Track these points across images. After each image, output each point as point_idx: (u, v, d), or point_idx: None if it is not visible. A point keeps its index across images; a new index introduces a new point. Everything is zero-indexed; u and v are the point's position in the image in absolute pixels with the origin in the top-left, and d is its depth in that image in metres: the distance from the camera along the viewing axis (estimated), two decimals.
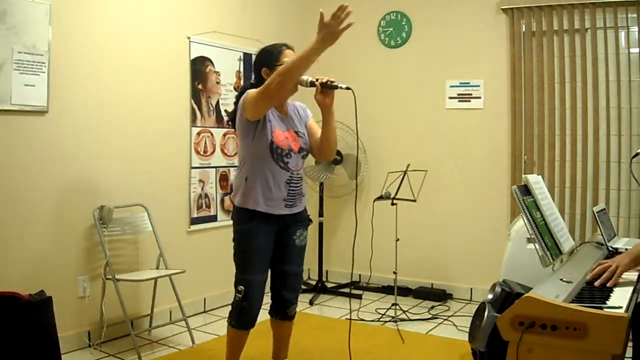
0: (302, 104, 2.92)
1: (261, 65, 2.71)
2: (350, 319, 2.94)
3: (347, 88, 2.60)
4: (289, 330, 2.93)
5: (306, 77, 2.62)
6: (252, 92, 2.57)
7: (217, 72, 4.28)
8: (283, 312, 2.85)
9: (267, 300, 2.87)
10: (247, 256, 2.70)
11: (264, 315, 2.92)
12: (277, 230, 2.76)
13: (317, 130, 2.80)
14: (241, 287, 2.69)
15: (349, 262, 4.99)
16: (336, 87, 2.61)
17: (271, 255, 2.79)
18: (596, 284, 2.12)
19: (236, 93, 2.95)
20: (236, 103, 2.71)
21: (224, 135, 4.38)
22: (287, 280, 2.82)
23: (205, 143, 4.24)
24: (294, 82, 2.55)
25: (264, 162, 2.64)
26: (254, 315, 2.73)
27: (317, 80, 2.61)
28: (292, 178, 2.71)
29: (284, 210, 2.71)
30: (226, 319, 2.80)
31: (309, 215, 2.91)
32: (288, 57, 2.66)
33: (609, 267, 2.17)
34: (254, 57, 2.89)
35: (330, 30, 2.38)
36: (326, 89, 2.62)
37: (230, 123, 2.91)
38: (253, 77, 2.79)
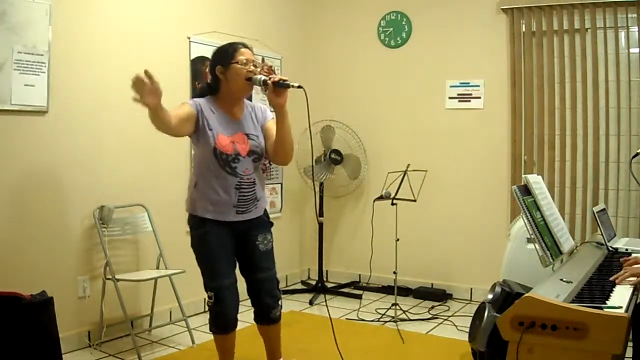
0: (263, 105, 2.90)
1: (216, 63, 2.69)
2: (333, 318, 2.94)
3: (299, 87, 2.58)
4: (277, 333, 2.90)
5: (259, 76, 2.61)
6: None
7: None
8: (267, 317, 2.82)
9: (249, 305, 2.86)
10: (209, 263, 2.68)
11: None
12: (236, 238, 2.73)
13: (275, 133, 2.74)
14: (210, 292, 2.67)
15: (349, 262, 5.04)
16: (288, 86, 2.58)
17: (234, 257, 2.76)
18: (614, 277, 2.14)
19: None
20: None
21: None
22: (263, 287, 2.78)
23: None
24: (160, 127, 2.50)
25: (210, 168, 2.62)
26: (230, 318, 2.71)
27: (269, 79, 2.58)
28: (242, 183, 2.66)
29: (235, 217, 2.67)
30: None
31: (269, 218, 2.86)
32: (243, 55, 2.64)
33: (638, 273, 2.16)
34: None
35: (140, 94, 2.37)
36: (278, 88, 2.58)
37: None
38: (211, 76, 2.75)
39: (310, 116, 2.84)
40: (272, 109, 2.79)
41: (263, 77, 2.60)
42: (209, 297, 2.68)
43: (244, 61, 2.63)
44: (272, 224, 2.87)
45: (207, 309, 4.20)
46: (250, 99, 2.80)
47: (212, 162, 2.61)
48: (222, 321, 2.71)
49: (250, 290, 2.82)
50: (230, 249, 2.72)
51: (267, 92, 2.60)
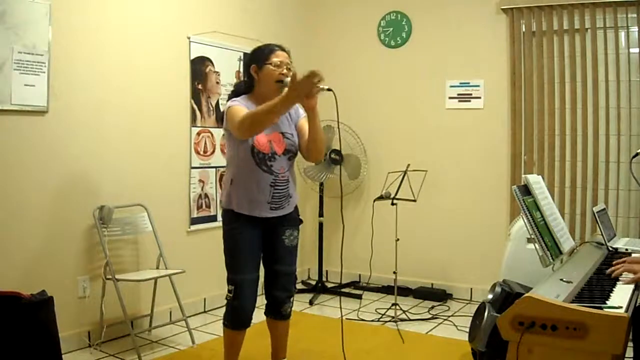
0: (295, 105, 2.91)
1: (252, 62, 2.73)
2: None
3: (329, 89, 2.59)
4: (285, 330, 2.93)
5: (289, 80, 2.59)
6: (234, 112, 2.58)
7: (217, 72, 4.28)
8: (277, 311, 2.86)
9: (259, 304, 2.87)
10: (235, 256, 2.73)
11: (263, 314, 2.94)
12: (265, 231, 2.77)
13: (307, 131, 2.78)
14: (231, 286, 2.72)
15: (349, 262, 5.03)
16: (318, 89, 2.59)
17: (261, 255, 2.81)
18: (607, 271, 2.16)
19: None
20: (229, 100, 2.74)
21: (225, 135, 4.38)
22: (279, 279, 2.83)
23: (205, 143, 4.23)
24: (262, 129, 2.57)
25: (246, 165, 2.66)
26: (247, 315, 2.74)
27: None
28: (277, 181, 2.70)
29: (268, 213, 2.72)
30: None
31: (299, 216, 2.90)
32: (279, 57, 2.68)
33: (633, 270, 2.17)
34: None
35: (298, 92, 2.41)
36: None
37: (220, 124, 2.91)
38: (245, 75, 2.80)
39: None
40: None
41: None
42: (229, 291, 2.72)
43: (278, 63, 2.67)
44: (301, 221, 2.92)
45: (205, 309, 4.24)
46: None
47: (249, 160, 2.65)
48: (237, 316, 2.73)
49: (267, 281, 2.87)
50: (258, 245, 2.78)
51: None
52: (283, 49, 2.73)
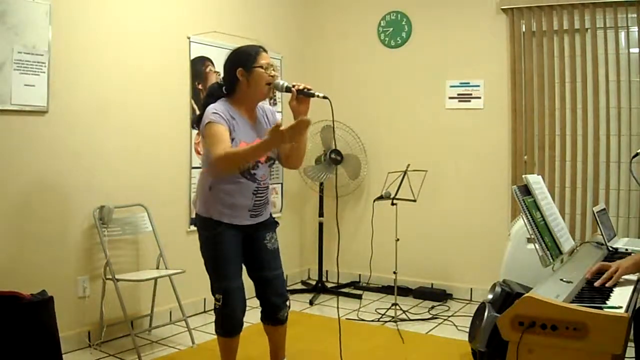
0: (272, 108, 2.88)
1: (237, 65, 2.62)
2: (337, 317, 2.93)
3: (324, 97, 2.54)
4: (283, 333, 2.90)
5: (282, 82, 2.57)
6: (216, 134, 2.48)
7: (217, 72, 4.28)
8: (274, 317, 2.81)
9: (256, 304, 2.86)
10: (218, 264, 2.67)
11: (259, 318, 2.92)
12: (244, 239, 2.73)
13: None
14: (218, 295, 2.66)
15: (349, 262, 5.03)
16: (312, 95, 2.55)
17: (242, 260, 2.75)
18: (596, 284, 2.13)
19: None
20: (204, 105, 2.64)
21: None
22: (270, 285, 2.77)
23: None
24: (237, 170, 2.55)
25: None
26: (237, 321, 2.70)
27: (293, 86, 2.55)
28: (259, 188, 2.67)
29: (249, 221, 2.68)
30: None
31: (274, 218, 2.86)
32: (265, 59, 2.62)
33: (609, 267, 2.18)
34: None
35: (283, 139, 2.40)
36: (302, 96, 2.56)
37: (195, 125, 2.81)
38: (222, 76, 2.72)
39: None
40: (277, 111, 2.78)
41: (287, 84, 2.56)
42: (217, 300, 2.66)
43: (266, 65, 2.61)
44: (277, 223, 2.88)
45: (205, 309, 4.24)
46: None
47: None
48: (229, 324, 2.70)
49: (258, 289, 2.81)
50: (240, 252, 2.72)
51: (290, 99, 2.58)
52: (265, 50, 2.67)
